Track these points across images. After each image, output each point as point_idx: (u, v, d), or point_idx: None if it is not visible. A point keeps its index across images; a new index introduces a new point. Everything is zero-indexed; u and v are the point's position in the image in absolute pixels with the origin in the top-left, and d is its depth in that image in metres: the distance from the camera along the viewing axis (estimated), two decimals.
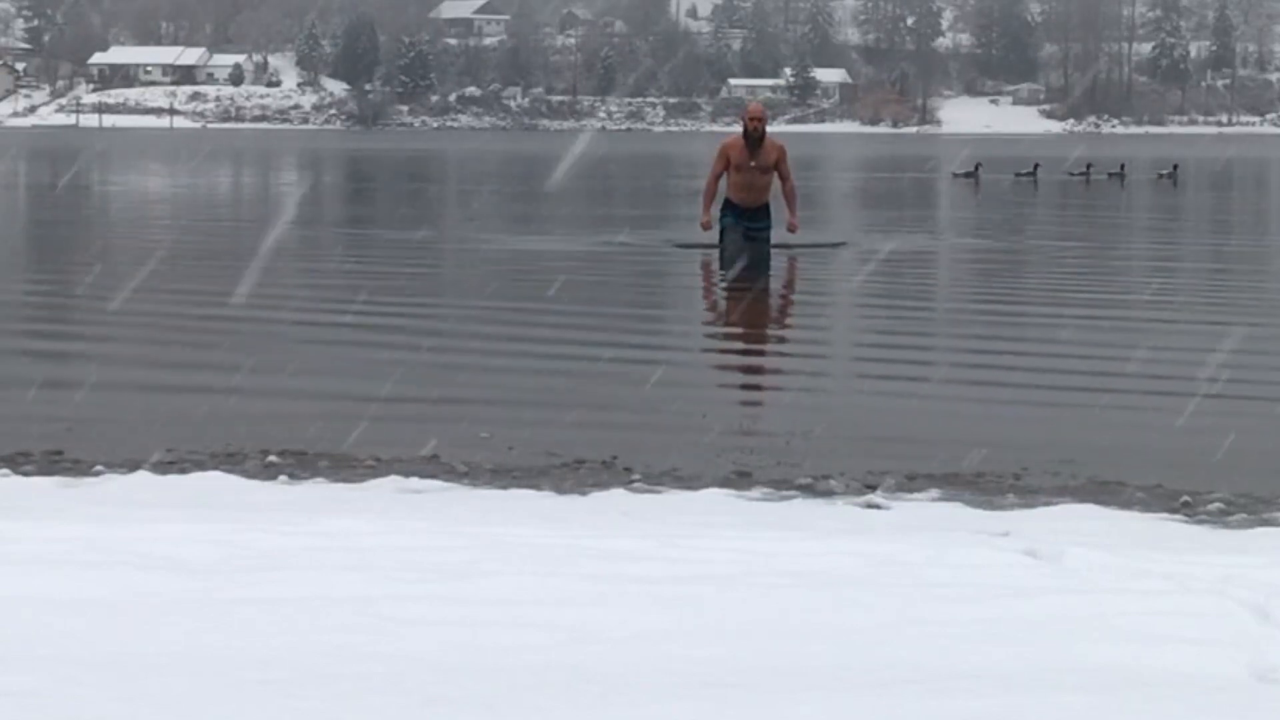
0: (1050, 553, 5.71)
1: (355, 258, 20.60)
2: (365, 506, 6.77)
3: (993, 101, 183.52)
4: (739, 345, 13.31)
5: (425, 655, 4.22)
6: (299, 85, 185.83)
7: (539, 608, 4.71)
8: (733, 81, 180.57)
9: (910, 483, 7.55)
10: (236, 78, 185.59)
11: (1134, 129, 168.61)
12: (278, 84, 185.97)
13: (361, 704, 3.81)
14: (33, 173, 51.27)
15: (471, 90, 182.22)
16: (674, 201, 33.03)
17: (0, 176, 48.17)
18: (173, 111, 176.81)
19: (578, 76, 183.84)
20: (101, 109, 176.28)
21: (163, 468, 7.75)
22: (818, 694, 3.93)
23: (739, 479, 7.64)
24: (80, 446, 8.19)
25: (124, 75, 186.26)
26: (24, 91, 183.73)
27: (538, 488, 7.41)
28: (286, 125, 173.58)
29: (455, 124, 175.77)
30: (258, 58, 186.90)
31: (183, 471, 7.67)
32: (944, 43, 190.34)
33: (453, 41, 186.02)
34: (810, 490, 7.42)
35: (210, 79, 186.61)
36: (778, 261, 18.40)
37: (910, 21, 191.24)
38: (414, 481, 7.44)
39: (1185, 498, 7.28)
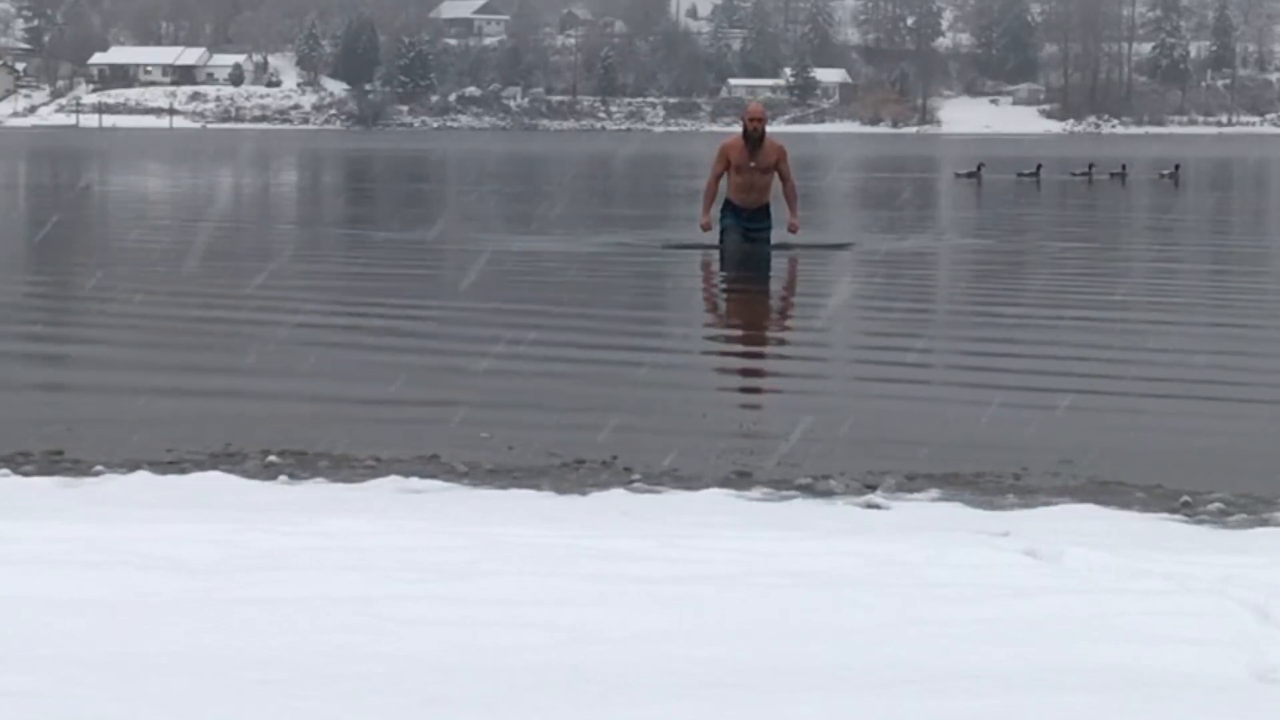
0: (1050, 553, 5.71)
1: (354, 258, 20.60)
2: (365, 506, 6.77)
3: (993, 101, 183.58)
4: (739, 345, 13.32)
5: (425, 655, 4.22)
6: (299, 85, 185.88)
7: (539, 608, 4.71)
8: (733, 81, 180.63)
9: (910, 483, 7.55)
10: (236, 78, 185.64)
11: (1134, 129, 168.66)
12: (278, 84, 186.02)
13: (361, 704, 3.81)
14: (33, 173, 51.28)
15: (471, 90, 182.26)
16: (674, 202, 33.03)
17: (1, 176, 48.16)
18: (172, 111, 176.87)
19: (578, 76, 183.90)
20: (101, 109, 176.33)
21: (163, 468, 7.75)
22: (818, 694, 3.93)
23: (739, 479, 7.64)
24: (80, 446, 8.19)
25: (124, 75, 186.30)
26: (24, 91, 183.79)
27: (538, 488, 7.41)
28: (286, 125, 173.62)
29: (455, 124, 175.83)
30: (258, 58, 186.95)
31: (183, 471, 7.67)
32: (944, 43, 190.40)
33: (453, 41, 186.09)
34: (810, 490, 7.42)
35: (210, 79, 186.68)
36: (779, 262, 18.40)
37: (910, 21, 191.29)
38: (414, 481, 7.44)
39: (1185, 498, 7.27)
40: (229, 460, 7.97)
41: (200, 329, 13.09)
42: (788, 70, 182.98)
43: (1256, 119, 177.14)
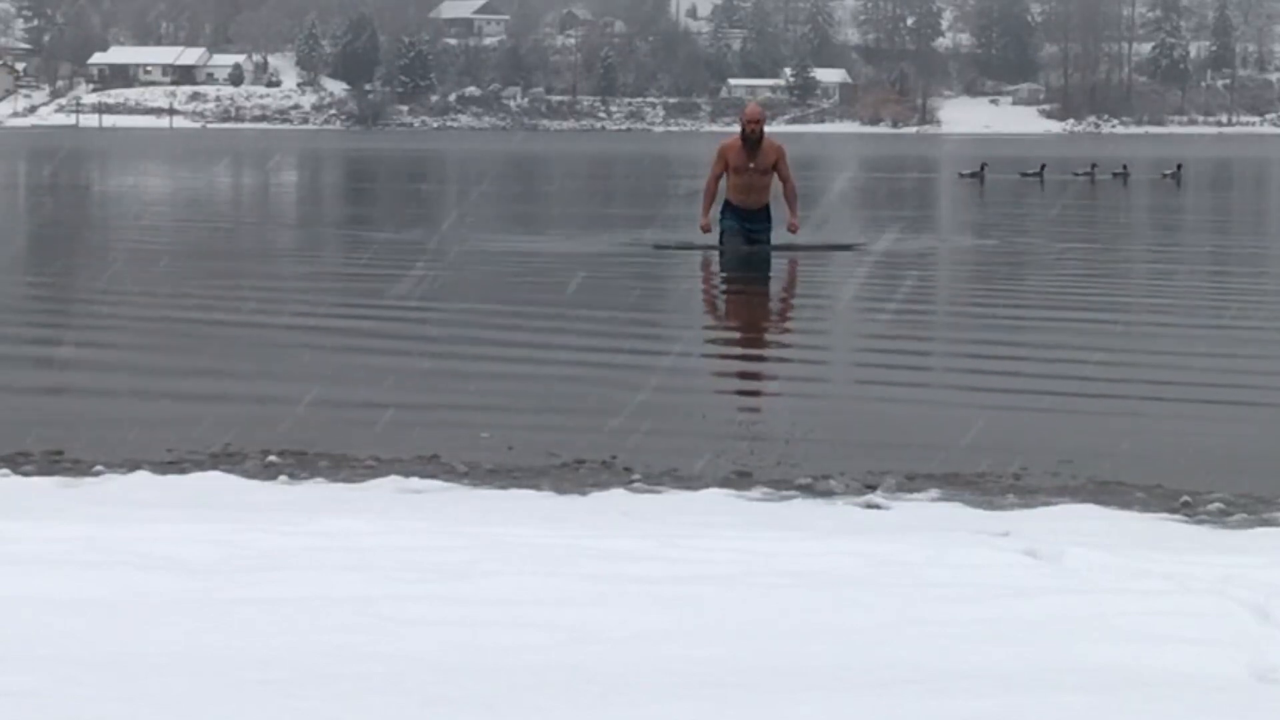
0: (1050, 553, 5.71)
1: (353, 259, 20.60)
2: (365, 506, 6.77)
3: (993, 101, 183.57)
4: (740, 346, 13.31)
5: (425, 655, 4.22)
6: (299, 85, 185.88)
7: (539, 608, 4.71)
8: (733, 81, 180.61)
9: (910, 483, 7.55)
10: (236, 78, 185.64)
11: (1134, 129, 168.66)
12: (278, 84, 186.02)
13: (361, 704, 3.81)
14: (32, 173, 51.28)
15: (471, 90, 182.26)
16: (674, 202, 33.02)
17: (1, 176, 48.16)
18: (172, 111, 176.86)
19: (578, 76, 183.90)
20: (101, 109, 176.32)
21: (163, 468, 7.75)
22: (818, 694, 3.93)
23: (739, 479, 7.63)
24: (80, 446, 8.19)
25: (124, 75, 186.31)
26: (24, 91, 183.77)
27: (538, 488, 7.41)
28: (286, 125, 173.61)
29: (455, 124, 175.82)
30: (258, 58, 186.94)
31: (183, 471, 7.67)
32: (944, 43, 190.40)
33: (453, 41, 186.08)
34: (810, 490, 7.42)
35: (210, 79, 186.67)
36: (780, 262, 18.40)
37: (910, 21, 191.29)
38: (414, 481, 7.43)
39: (1185, 498, 7.27)
40: (229, 460, 7.97)
41: (200, 329, 13.09)
42: (788, 70, 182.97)
43: (1256, 119, 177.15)
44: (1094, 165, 48.17)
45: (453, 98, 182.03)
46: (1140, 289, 17.48)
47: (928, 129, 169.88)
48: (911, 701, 3.87)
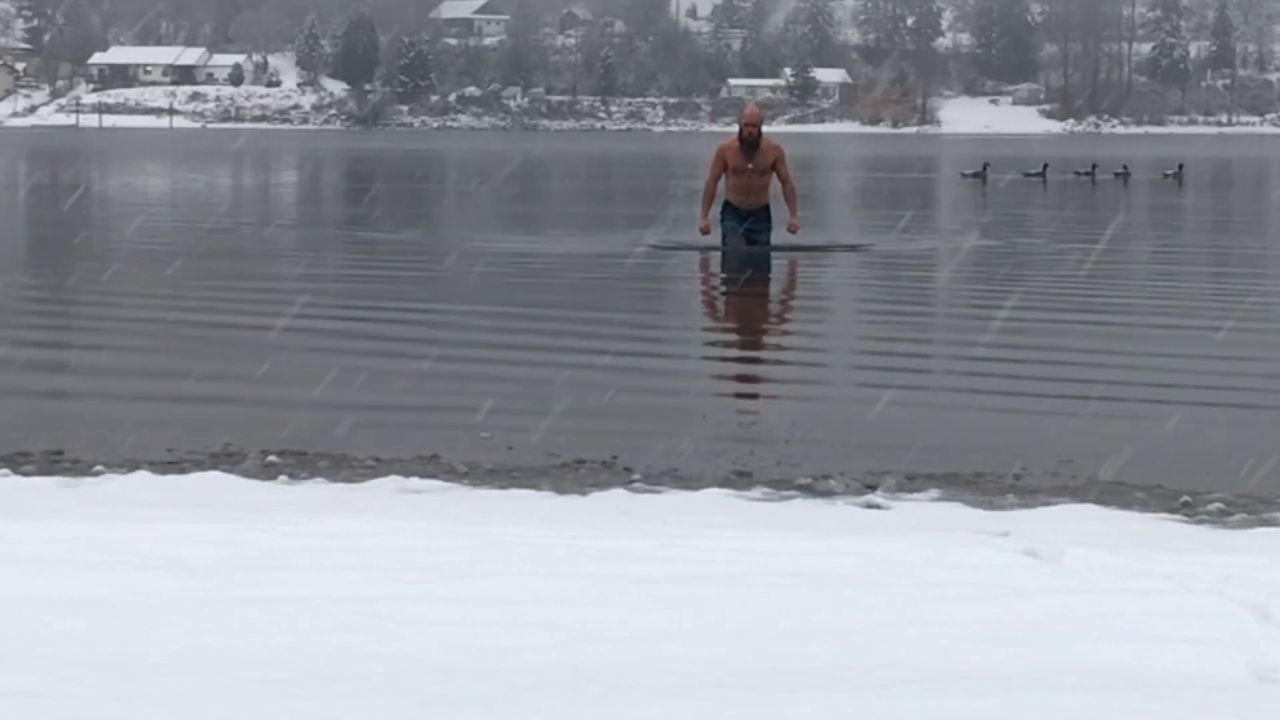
0: (1050, 553, 5.71)
1: (352, 259, 20.60)
2: (365, 506, 6.77)
3: (993, 101, 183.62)
4: (740, 346, 13.31)
5: (425, 655, 4.22)
6: (299, 85, 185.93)
7: (539, 608, 4.71)
8: (732, 81, 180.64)
9: (910, 483, 7.55)
10: (236, 78, 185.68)
11: (1134, 129, 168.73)
12: (278, 84, 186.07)
13: (361, 704, 3.81)
14: (33, 173, 51.28)
15: (471, 90, 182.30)
16: (675, 202, 33.02)
17: (1, 176, 48.17)
18: (172, 111, 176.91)
19: (578, 76, 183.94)
20: (101, 109, 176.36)
21: (163, 468, 7.75)
22: (818, 694, 3.93)
23: (739, 479, 7.63)
24: (80, 446, 8.19)
25: (124, 75, 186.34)
26: (24, 91, 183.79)
27: (538, 488, 7.41)
28: (286, 125, 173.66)
29: (455, 124, 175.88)
30: (258, 58, 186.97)
31: (183, 471, 7.67)
32: (944, 43, 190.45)
33: (453, 41, 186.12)
34: (810, 490, 7.42)
35: (210, 79, 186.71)
36: (781, 263, 18.39)
37: (910, 21, 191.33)
38: (414, 481, 7.43)
39: (1185, 498, 7.27)
40: (229, 460, 7.97)
41: (200, 330, 13.09)
42: (788, 70, 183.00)
43: (1256, 119, 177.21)
44: (1094, 165, 48.15)
45: (453, 98, 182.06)
46: (1141, 289, 17.48)
47: (928, 129, 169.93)
48: (911, 701, 3.87)
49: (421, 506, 6.84)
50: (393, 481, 7.43)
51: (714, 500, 7.15)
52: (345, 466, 7.87)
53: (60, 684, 3.89)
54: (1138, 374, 10.94)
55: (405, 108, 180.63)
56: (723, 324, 14.75)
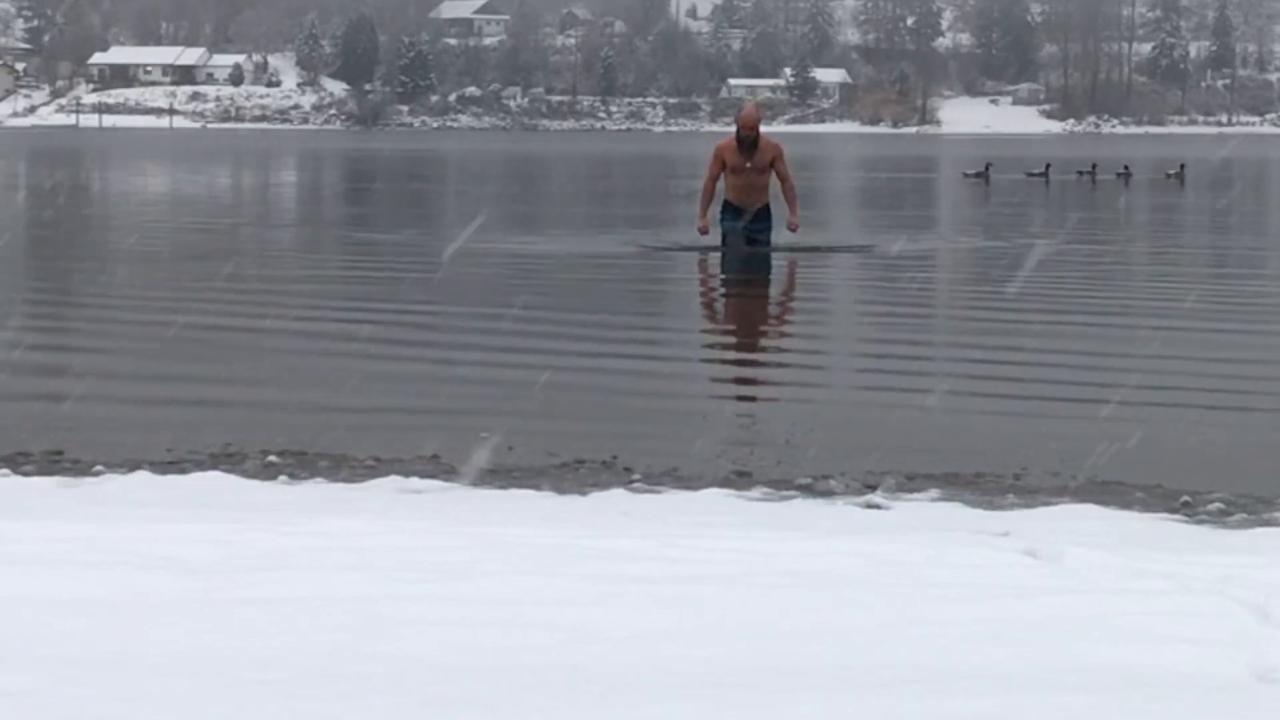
0: (1050, 553, 5.71)
1: (351, 260, 20.60)
2: (365, 506, 6.77)
3: (993, 101, 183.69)
4: (740, 346, 13.31)
5: (425, 655, 4.22)
6: (299, 85, 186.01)
7: (539, 608, 4.71)
8: (733, 81, 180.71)
9: (910, 483, 7.55)
10: (236, 78, 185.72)
11: (1134, 129, 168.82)
12: (278, 84, 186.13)
13: (361, 704, 3.81)
14: (32, 173, 51.28)
15: (471, 90, 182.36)
16: (674, 202, 33.02)
17: (1, 177, 48.18)
18: (172, 111, 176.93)
19: (578, 76, 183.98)
20: (101, 109, 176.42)
21: (163, 468, 7.75)
22: (818, 694, 3.93)
23: (739, 479, 7.63)
24: (80, 446, 8.19)
25: (124, 75, 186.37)
26: (24, 91, 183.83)
27: (538, 488, 7.41)
28: (286, 125, 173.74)
29: (455, 124, 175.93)
30: (258, 58, 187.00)
31: (183, 471, 7.67)
32: (944, 43, 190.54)
33: (453, 41, 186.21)
34: (810, 490, 7.42)
35: (210, 79, 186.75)
36: (781, 263, 18.38)
37: (910, 21, 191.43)
38: (414, 481, 7.43)
39: (1185, 498, 7.27)
40: (229, 460, 7.97)
41: (200, 329, 13.08)
42: (788, 70, 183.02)
43: (1256, 119, 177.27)
44: (1094, 165, 48.17)
45: (453, 98, 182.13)
46: (1143, 290, 17.47)
47: (928, 129, 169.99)
48: (911, 701, 3.87)
49: (421, 506, 6.84)
50: (393, 481, 7.43)
51: (714, 500, 7.15)
52: (345, 466, 7.87)
53: (60, 684, 3.89)
54: (1138, 374, 10.93)
55: (405, 108, 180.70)
56: (723, 324, 14.75)
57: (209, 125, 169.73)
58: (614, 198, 39.84)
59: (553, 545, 5.60)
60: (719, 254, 18.56)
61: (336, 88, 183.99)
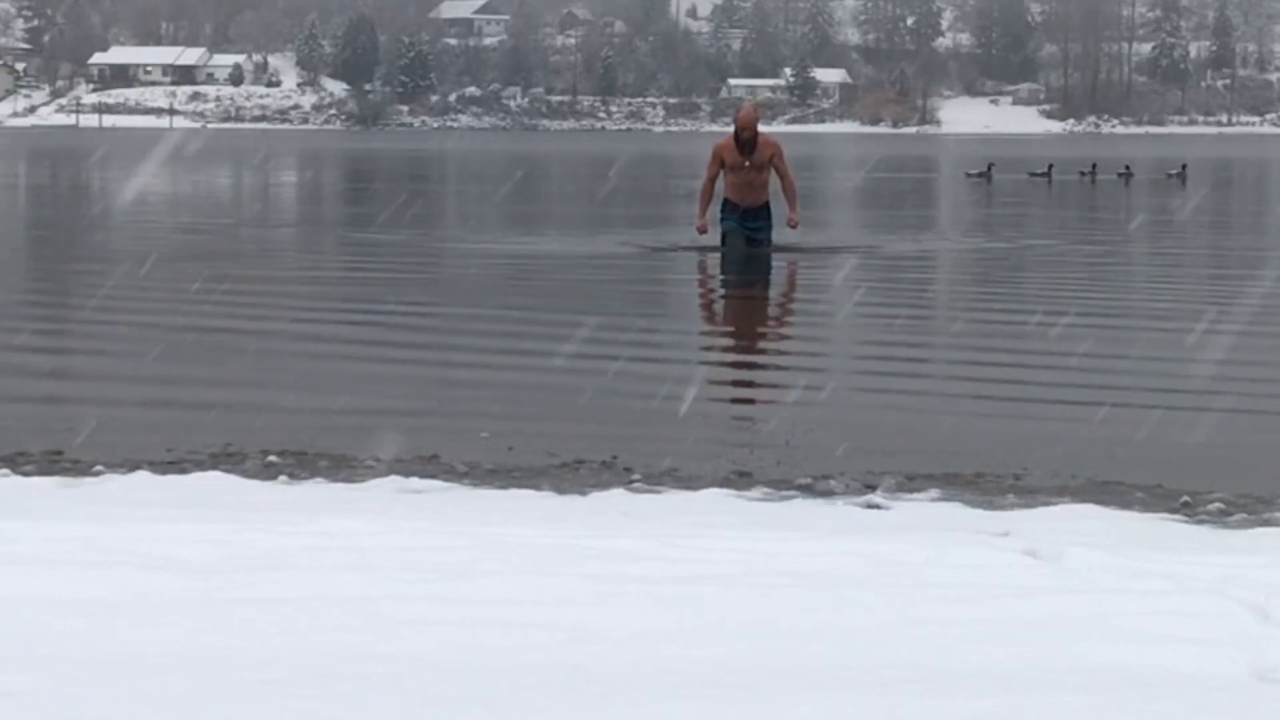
0: (1050, 553, 5.71)
1: (351, 260, 20.60)
2: (365, 506, 6.77)
3: (993, 101, 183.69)
4: (740, 346, 13.31)
5: (425, 655, 4.22)
6: (299, 85, 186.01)
7: (539, 608, 4.71)
8: (733, 81, 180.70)
9: (910, 483, 7.54)
10: (236, 78, 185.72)
11: (1134, 129, 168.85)
12: (278, 84, 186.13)
13: (361, 704, 3.81)
14: (32, 173, 51.28)
15: (471, 90, 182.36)
16: (674, 202, 33.02)
17: (0, 177, 48.17)
18: (173, 111, 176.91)
19: (578, 76, 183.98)
20: (101, 109, 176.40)
21: (163, 468, 7.74)
22: (818, 694, 3.93)
23: (739, 479, 7.63)
24: (80, 446, 8.19)
25: (124, 75, 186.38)
26: (24, 91, 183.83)
27: (538, 488, 7.41)
28: (286, 125, 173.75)
29: (455, 124, 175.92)
30: (258, 58, 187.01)
31: (183, 471, 7.67)
32: (944, 43, 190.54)
33: (453, 41, 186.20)
34: (810, 490, 7.42)
35: (210, 79, 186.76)
36: (781, 263, 18.37)
37: (910, 21, 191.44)
38: (414, 481, 7.43)
39: (1185, 498, 7.27)
40: (229, 460, 7.97)
41: (200, 329, 13.08)
42: (788, 70, 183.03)
43: (1256, 119, 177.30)
44: (1094, 165, 48.17)
45: (453, 98, 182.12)
46: (1144, 290, 17.47)
47: (928, 129, 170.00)
48: (911, 701, 3.87)
49: (421, 506, 6.84)
50: (393, 481, 7.43)
51: (714, 500, 7.15)
52: (345, 466, 7.87)
53: (60, 684, 3.89)
54: (1138, 374, 10.93)
55: (405, 108, 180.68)
56: (723, 324, 14.74)
57: (209, 125, 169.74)
58: (614, 198, 39.85)
59: (553, 545, 5.60)
60: (719, 254, 18.55)
61: (336, 88, 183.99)
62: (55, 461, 7.93)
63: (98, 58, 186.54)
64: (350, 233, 25.92)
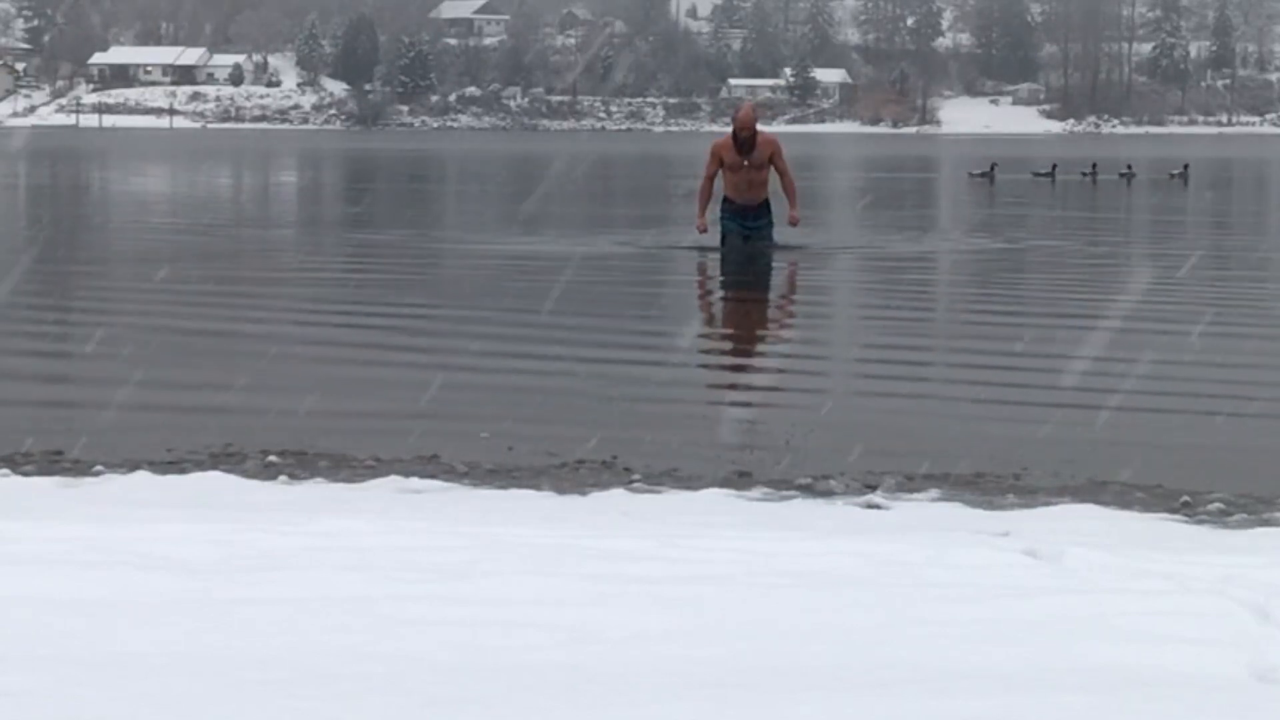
0: (1050, 553, 5.71)
1: (350, 260, 20.60)
2: (365, 506, 6.77)
3: (993, 101, 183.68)
4: (740, 346, 13.30)
5: (425, 655, 4.22)
6: (299, 85, 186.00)
7: (539, 608, 4.71)
8: (733, 81, 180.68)
9: (910, 483, 7.55)
10: (236, 78, 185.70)
11: (1134, 129, 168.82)
12: (278, 84, 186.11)
13: (361, 704, 3.81)
14: (32, 173, 51.28)
15: (471, 90, 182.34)
16: (674, 202, 33.02)
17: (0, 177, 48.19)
18: (173, 112, 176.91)
19: (578, 76, 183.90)
20: (101, 109, 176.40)
21: (163, 468, 7.75)
22: (818, 694, 3.93)
23: (739, 479, 7.63)
24: (80, 446, 8.19)
25: (124, 75, 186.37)
26: (24, 91, 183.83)
27: (538, 488, 7.41)
28: (286, 125, 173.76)
29: (455, 124, 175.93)
30: (258, 58, 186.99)
31: (183, 471, 7.67)
32: (944, 43, 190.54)
33: (453, 41, 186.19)
34: (810, 490, 7.42)
35: (210, 79, 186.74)
36: (783, 263, 18.37)
37: (910, 21, 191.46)
38: (414, 481, 7.43)
39: (1185, 498, 7.27)
40: (229, 460, 7.97)
41: (200, 330, 13.09)
42: (788, 70, 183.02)
43: (1256, 119, 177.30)
44: (1094, 165, 48.19)
45: (453, 98, 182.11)
46: (1145, 290, 17.45)
47: (928, 129, 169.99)
48: (911, 701, 3.87)
49: (421, 506, 6.84)
50: (393, 481, 7.43)
51: (714, 500, 7.15)
52: (345, 466, 7.87)
53: (60, 684, 3.89)
54: (1139, 375, 10.93)
55: (405, 108, 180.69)
56: (723, 324, 14.74)
57: (209, 125, 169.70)
58: (614, 198, 39.84)
59: (553, 545, 5.60)
60: (719, 254, 18.55)
61: (336, 88, 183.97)
62: (55, 461, 7.93)
63: (98, 58, 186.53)
64: (350, 233, 25.93)
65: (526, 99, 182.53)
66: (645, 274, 18.36)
